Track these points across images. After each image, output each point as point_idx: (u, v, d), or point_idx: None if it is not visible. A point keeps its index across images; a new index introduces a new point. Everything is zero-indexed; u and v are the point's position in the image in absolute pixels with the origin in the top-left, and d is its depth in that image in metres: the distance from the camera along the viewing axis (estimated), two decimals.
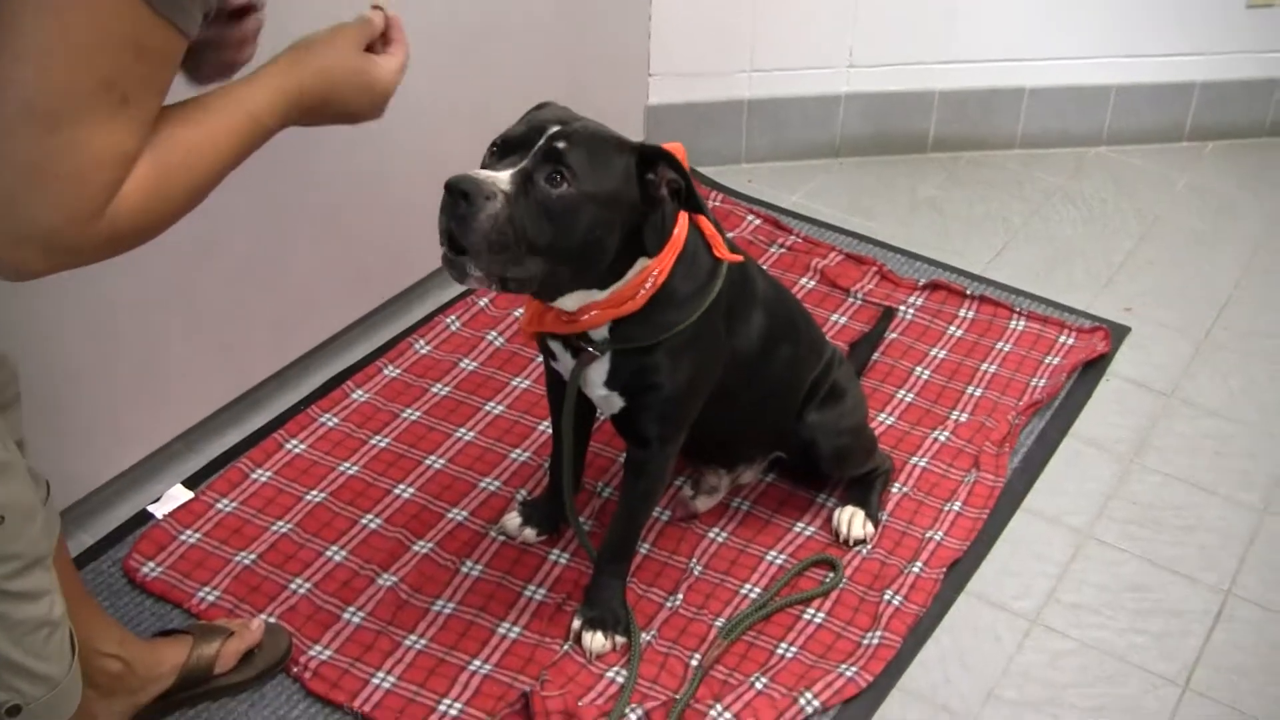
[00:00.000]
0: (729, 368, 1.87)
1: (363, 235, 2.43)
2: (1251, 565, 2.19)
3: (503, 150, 1.59)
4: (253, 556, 2.08)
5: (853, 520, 2.16)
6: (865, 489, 2.20)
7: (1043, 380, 2.52)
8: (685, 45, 2.97)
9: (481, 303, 2.62)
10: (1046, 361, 2.57)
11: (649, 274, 1.68)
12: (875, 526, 2.17)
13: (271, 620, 1.97)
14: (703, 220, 1.75)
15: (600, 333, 1.73)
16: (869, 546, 2.15)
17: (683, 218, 1.71)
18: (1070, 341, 2.63)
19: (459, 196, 1.50)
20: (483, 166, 1.59)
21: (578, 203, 1.55)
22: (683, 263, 1.72)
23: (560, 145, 1.55)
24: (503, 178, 1.53)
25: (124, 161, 1.10)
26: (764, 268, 2.03)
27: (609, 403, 1.83)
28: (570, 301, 1.69)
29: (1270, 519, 2.28)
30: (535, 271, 1.56)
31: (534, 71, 2.67)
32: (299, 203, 2.28)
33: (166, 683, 1.83)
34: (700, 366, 1.80)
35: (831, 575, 2.09)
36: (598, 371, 1.78)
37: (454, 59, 2.48)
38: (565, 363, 1.82)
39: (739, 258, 1.80)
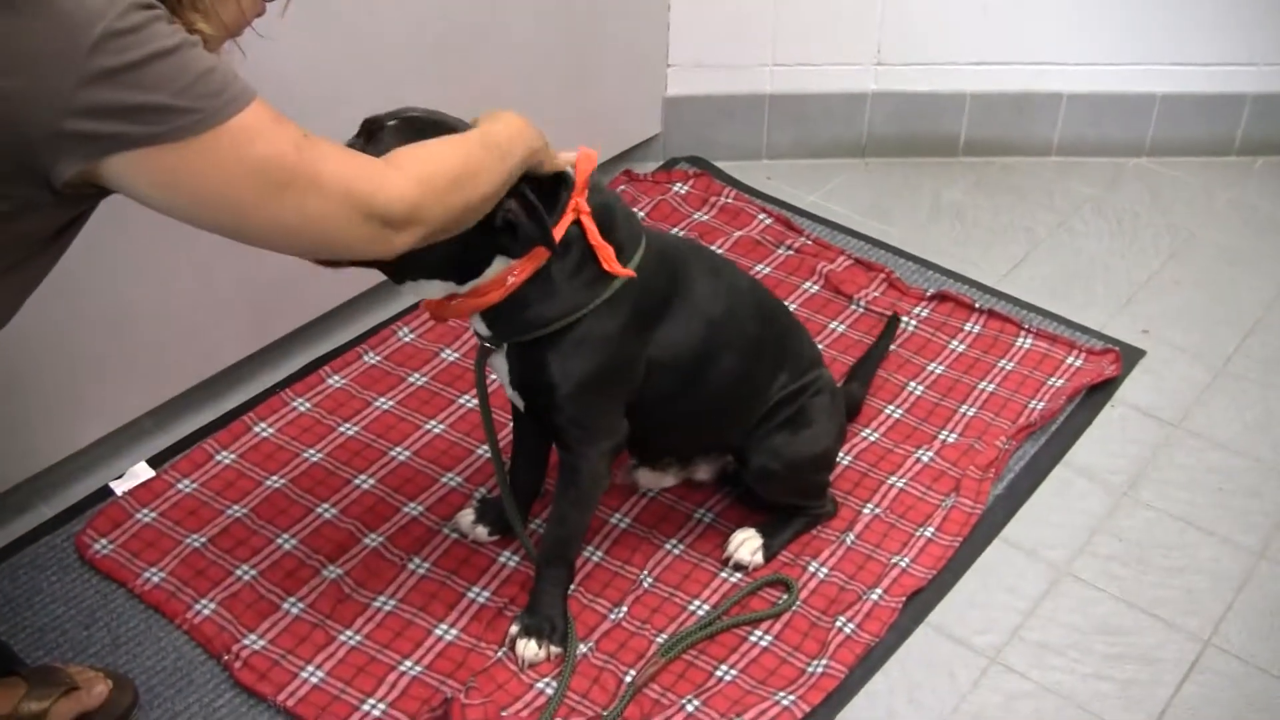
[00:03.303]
0: (660, 375, 1.84)
1: None
2: (1238, 613, 2.07)
3: (366, 131, 1.63)
4: (203, 540, 2.06)
5: (745, 544, 2.06)
6: (783, 522, 2.10)
7: (1042, 403, 2.41)
8: (705, 36, 2.90)
9: None
10: (1049, 383, 2.46)
11: (509, 273, 1.69)
12: (767, 561, 2.07)
13: (120, 674, 1.85)
14: (593, 233, 1.71)
15: (480, 326, 1.77)
16: (748, 573, 2.07)
17: (565, 221, 1.69)
18: (1078, 363, 2.51)
19: None
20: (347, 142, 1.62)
21: None
22: (564, 261, 1.71)
23: (391, 124, 1.59)
24: None
25: (348, 160, 1.41)
26: (735, 279, 1.95)
27: (520, 401, 1.85)
28: (433, 289, 1.71)
29: (1267, 564, 2.15)
30: None
31: (549, 60, 2.61)
32: None
33: None
34: (598, 369, 1.77)
35: (785, 597, 2.02)
36: (502, 370, 1.81)
37: (467, 47, 2.44)
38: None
39: (629, 272, 1.74)
